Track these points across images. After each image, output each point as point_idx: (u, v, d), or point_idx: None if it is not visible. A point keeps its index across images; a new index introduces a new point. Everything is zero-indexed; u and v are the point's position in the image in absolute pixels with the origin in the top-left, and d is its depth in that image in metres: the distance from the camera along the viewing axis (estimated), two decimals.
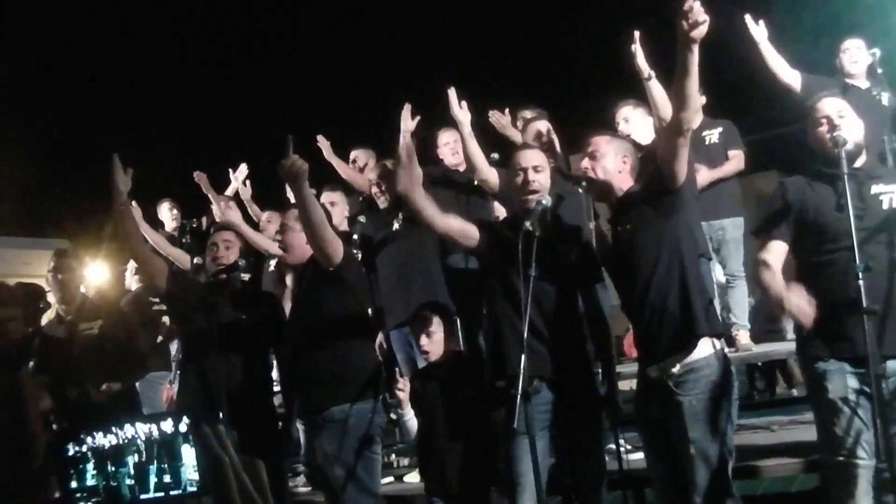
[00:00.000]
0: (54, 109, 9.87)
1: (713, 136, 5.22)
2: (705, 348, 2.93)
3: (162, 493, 2.63)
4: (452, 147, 4.94)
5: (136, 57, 10.13)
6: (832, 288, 2.85)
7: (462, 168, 5.10)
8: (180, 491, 2.67)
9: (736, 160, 5.21)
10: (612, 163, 3.12)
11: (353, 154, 5.67)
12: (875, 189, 2.89)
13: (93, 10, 9.82)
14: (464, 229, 3.33)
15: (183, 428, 2.69)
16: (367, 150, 5.68)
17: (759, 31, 4.79)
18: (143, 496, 2.62)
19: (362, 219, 5.10)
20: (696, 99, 2.80)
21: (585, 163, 3.14)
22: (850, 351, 2.81)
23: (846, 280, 2.77)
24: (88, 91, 10.01)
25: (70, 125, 9.98)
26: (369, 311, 3.93)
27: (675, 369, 2.92)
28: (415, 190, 3.27)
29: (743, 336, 5.16)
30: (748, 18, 4.77)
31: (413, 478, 4.59)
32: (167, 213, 6.67)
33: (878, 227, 2.84)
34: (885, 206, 2.87)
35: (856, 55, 4.98)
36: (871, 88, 4.98)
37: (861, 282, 2.66)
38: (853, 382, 2.81)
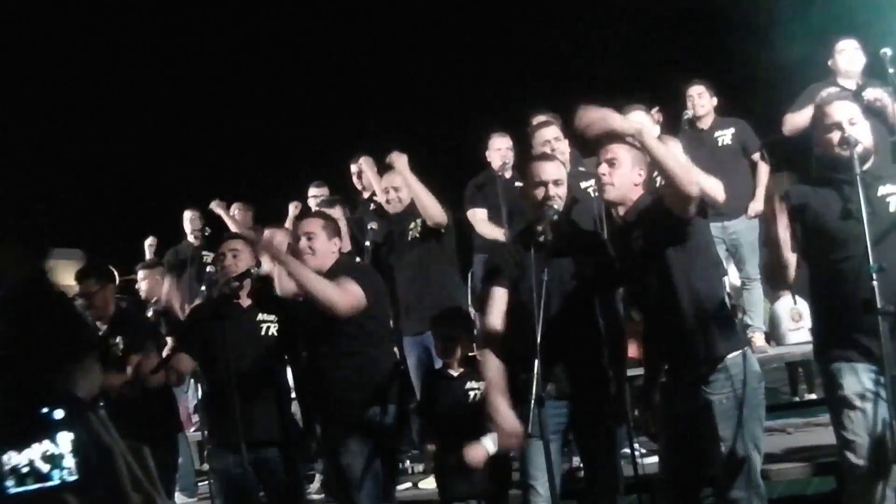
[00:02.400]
0: (64, 116, 9.90)
1: (726, 136, 5.22)
2: None
3: (37, 486, 2.46)
4: (503, 154, 5.03)
5: (148, 62, 10.18)
6: (844, 292, 2.85)
7: (508, 173, 5.11)
8: (57, 482, 2.46)
9: (764, 162, 5.24)
10: (628, 173, 3.11)
11: (353, 167, 5.70)
12: (882, 191, 2.88)
13: (109, 18, 9.88)
14: (503, 305, 3.25)
15: (59, 415, 2.56)
16: (367, 157, 5.72)
17: None
18: (13, 490, 2.46)
19: (374, 225, 5.13)
20: (686, 175, 2.87)
21: (603, 169, 3.13)
22: (864, 354, 2.82)
23: (858, 284, 2.77)
24: (99, 98, 10.04)
25: (81, 132, 10.01)
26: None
27: (704, 370, 2.95)
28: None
29: (758, 338, 5.17)
30: None
31: (428, 484, 4.58)
32: (189, 224, 6.69)
33: (886, 230, 2.83)
34: (892, 208, 2.86)
35: (853, 56, 5.00)
36: (862, 87, 4.98)
37: (875, 283, 2.65)
38: (868, 382, 2.81)
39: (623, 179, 3.11)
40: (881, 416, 2.77)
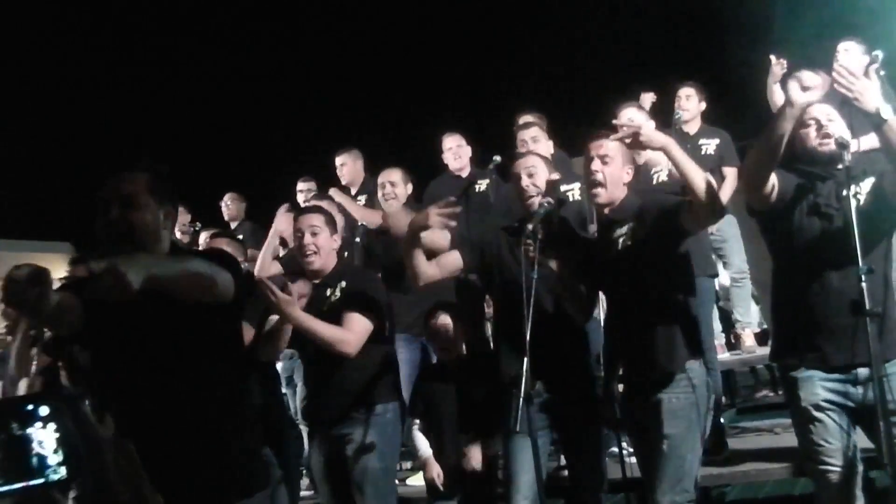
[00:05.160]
0: (56, 108, 9.80)
1: (710, 147, 5.19)
2: None
3: (21, 484, 2.41)
4: (455, 152, 5.12)
5: (138, 58, 10.11)
6: (805, 291, 2.83)
7: (464, 173, 5.15)
8: (42, 480, 2.42)
9: (732, 177, 5.09)
10: (618, 171, 3.10)
11: (338, 160, 5.69)
12: (852, 189, 2.84)
13: (102, 15, 9.81)
14: (447, 266, 3.33)
15: (44, 411, 2.52)
16: (351, 151, 5.69)
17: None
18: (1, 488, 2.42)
19: (363, 223, 5.12)
20: (711, 189, 2.82)
21: (596, 165, 3.10)
22: (819, 360, 2.80)
23: (819, 283, 2.77)
24: (92, 89, 9.95)
25: (72, 123, 9.92)
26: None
27: (660, 377, 2.96)
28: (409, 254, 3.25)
29: (747, 337, 5.15)
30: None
31: (416, 481, 4.58)
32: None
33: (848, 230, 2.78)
34: (853, 206, 2.83)
35: (855, 57, 4.99)
36: None
37: (864, 284, 2.63)
38: (823, 392, 2.80)
39: (613, 178, 3.09)
40: (841, 422, 2.77)
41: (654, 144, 2.86)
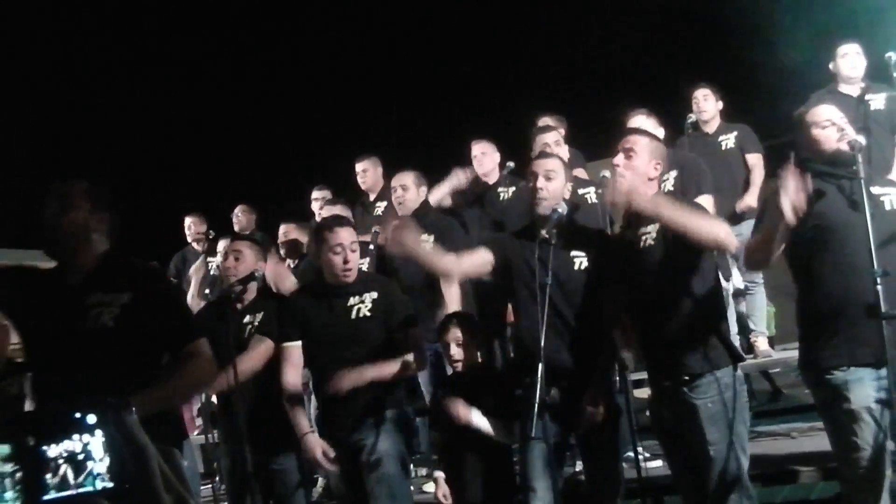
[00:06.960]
0: (52, 116, 9.81)
1: (729, 140, 5.20)
2: None
3: (68, 493, 2.39)
4: (479, 160, 5.15)
5: (146, 69, 10.15)
6: (845, 290, 2.81)
7: (491, 179, 5.15)
8: (90, 489, 2.38)
9: (758, 167, 5.12)
10: (643, 165, 3.06)
11: (359, 166, 5.71)
12: (875, 190, 2.87)
13: (107, 20, 9.85)
14: (477, 263, 3.35)
15: (91, 420, 2.53)
16: (371, 157, 5.72)
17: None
18: (45, 497, 2.38)
19: (377, 229, 5.14)
20: (710, 227, 2.88)
21: (619, 159, 3.08)
22: (870, 356, 2.75)
23: (861, 283, 2.73)
24: (97, 101, 9.98)
25: (81, 134, 9.95)
26: None
27: (688, 377, 2.95)
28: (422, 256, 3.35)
29: (762, 342, 5.14)
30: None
31: (431, 487, 4.58)
32: (190, 230, 6.66)
33: (887, 230, 2.80)
34: (887, 206, 2.87)
35: (855, 60, 4.98)
36: (863, 93, 4.96)
37: (879, 286, 2.64)
38: (875, 392, 2.76)
39: (637, 171, 3.06)
40: (882, 423, 2.75)
41: (646, 210, 2.89)
